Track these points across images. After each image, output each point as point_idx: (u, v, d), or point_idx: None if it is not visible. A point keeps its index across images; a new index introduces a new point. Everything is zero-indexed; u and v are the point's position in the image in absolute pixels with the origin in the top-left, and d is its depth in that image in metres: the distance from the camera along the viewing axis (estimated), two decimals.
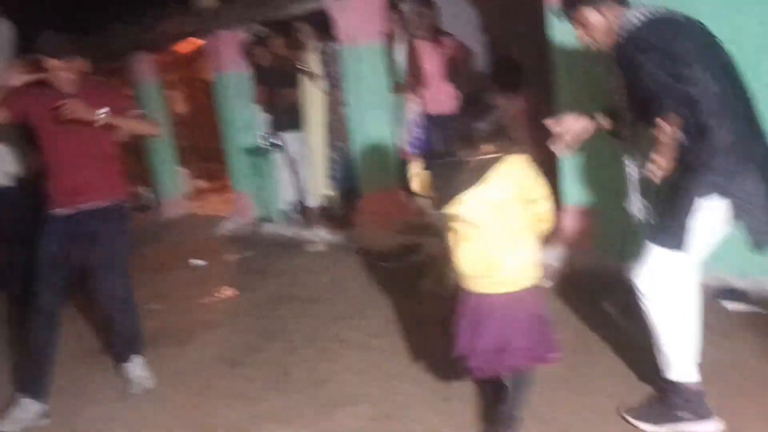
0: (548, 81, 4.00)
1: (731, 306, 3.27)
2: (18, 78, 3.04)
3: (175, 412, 3.08)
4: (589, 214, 3.94)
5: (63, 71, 3.01)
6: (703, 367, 2.37)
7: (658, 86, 2.12)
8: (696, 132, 2.11)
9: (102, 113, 3.01)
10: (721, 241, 2.33)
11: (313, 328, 3.78)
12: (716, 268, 2.93)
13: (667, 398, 2.37)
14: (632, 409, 2.44)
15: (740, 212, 2.19)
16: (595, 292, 3.45)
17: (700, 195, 2.19)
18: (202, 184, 9.50)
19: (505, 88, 4.88)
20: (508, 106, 4.85)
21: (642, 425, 2.38)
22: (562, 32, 3.75)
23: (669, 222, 2.26)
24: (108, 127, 3.14)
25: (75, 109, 2.97)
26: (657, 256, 2.28)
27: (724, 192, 2.17)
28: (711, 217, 2.22)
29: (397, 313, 3.74)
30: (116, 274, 3.23)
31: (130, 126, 3.28)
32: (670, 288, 2.28)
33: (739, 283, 3.37)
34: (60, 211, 3.15)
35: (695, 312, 2.31)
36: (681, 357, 2.33)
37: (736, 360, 2.74)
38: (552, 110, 4.04)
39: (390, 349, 3.33)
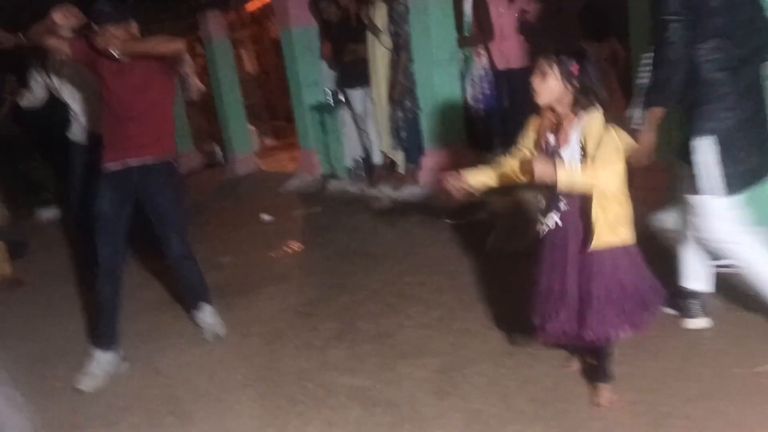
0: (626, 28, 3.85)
1: None
2: (62, 17, 3.02)
3: (247, 358, 3.21)
4: (662, 169, 3.78)
5: (114, 38, 3.01)
6: None
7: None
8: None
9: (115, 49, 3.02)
10: None
11: (379, 284, 3.83)
12: None
13: None
14: None
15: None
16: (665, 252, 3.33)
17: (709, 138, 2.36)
18: (271, 141, 9.68)
19: (592, 35, 4.70)
20: (595, 53, 4.73)
21: None
22: None
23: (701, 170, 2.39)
24: (160, 78, 3.17)
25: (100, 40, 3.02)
26: (712, 204, 2.41)
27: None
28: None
29: (462, 270, 3.74)
30: (170, 230, 3.25)
31: (148, 48, 3.12)
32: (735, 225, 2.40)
33: None
34: (109, 165, 3.18)
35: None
36: None
37: None
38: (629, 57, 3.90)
39: (455, 305, 3.33)
